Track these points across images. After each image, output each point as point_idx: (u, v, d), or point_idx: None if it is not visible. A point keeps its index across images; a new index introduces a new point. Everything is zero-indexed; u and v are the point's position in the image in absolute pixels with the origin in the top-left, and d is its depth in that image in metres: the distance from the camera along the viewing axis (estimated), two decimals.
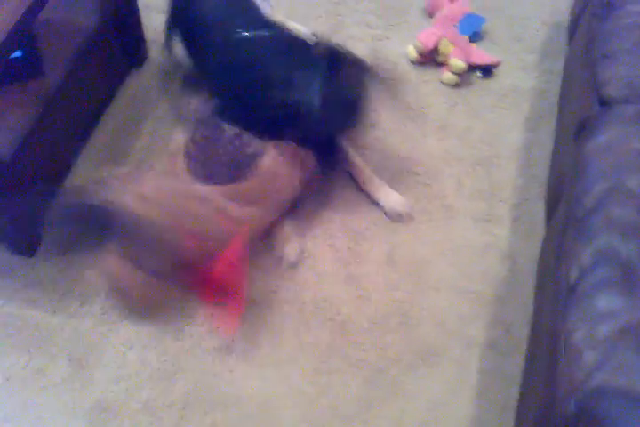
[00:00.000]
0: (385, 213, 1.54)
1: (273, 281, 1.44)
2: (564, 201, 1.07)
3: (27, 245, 1.42)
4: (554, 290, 0.95)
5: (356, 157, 1.58)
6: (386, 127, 1.70)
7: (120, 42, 1.64)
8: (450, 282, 1.45)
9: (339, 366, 1.33)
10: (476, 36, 1.85)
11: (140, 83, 1.76)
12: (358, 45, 1.83)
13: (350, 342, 1.37)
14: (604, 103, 1.09)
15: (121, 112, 1.69)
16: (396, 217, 1.53)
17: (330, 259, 1.48)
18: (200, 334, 1.36)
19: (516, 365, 1.33)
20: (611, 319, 0.83)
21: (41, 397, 1.28)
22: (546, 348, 0.94)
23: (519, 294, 1.43)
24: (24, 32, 1.16)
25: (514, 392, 1.29)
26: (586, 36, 1.29)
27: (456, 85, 1.78)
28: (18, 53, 1.26)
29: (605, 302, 0.85)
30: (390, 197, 1.54)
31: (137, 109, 1.71)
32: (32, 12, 1.16)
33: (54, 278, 1.42)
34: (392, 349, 1.36)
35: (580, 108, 1.19)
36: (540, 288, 1.27)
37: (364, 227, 1.53)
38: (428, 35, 1.76)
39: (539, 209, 1.54)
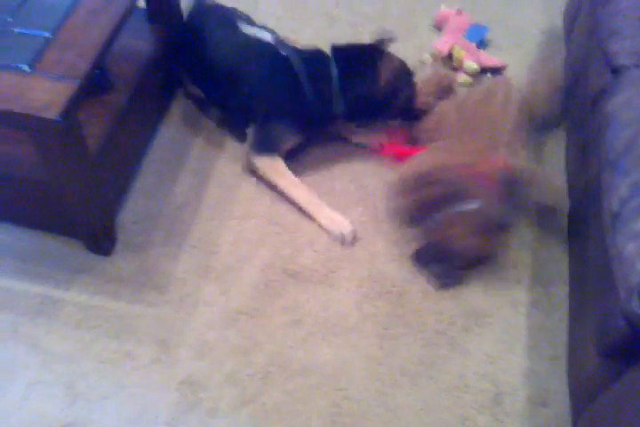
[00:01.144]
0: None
1: (332, 262, 1.59)
2: (596, 149, 1.22)
3: (104, 245, 1.56)
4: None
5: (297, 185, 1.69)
6: None
7: (170, 67, 1.83)
8: None
9: (401, 332, 1.47)
10: (481, 44, 2.05)
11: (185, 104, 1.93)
12: None
13: (408, 310, 1.51)
14: (616, 72, 1.27)
15: (173, 129, 1.86)
16: (340, 239, 1.62)
17: (381, 239, 1.63)
18: (273, 309, 1.50)
19: (559, 319, 1.47)
20: None
21: (133, 376, 1.40)
22: (595, 274, 1.08)
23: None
24: (106, 52, 1.33)
25: (561, 343, 1.43)
26: (589, 23, 1.48)
27: (471, 86, 1.96)
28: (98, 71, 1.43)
29: None
30: (333, 220, 1.64)
31: (186, 127, 1.87)
32: (114, 35, 1.34)
33: (132, 273, 1.55)
34: (446, 313, 1.50)
35: (594, 82, 1.36)
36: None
37: None
38: (442, 43, 1.97)
39: None
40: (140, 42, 1.70)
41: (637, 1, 1.35)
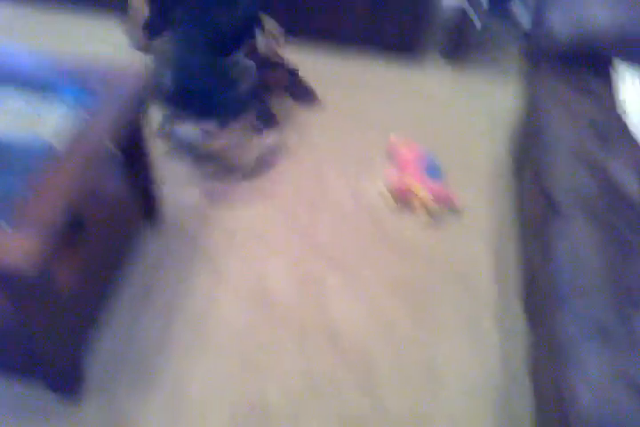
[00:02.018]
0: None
1: (300, 401, 1.58)
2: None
3: (71, 388, 1.54)
4: None
5: None
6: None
7: (140, 205, 1.91)
8: None
9: None
10: (436, 176, 2.18)
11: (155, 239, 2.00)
12: (339, 193, 2.16)
13: None
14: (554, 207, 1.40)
15: (141, 266, 1.91)
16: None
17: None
18: None
19: None
20: None
21: None
22: None
23: None
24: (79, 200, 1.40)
25: None
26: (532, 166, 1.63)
27: (428, 220, 2.08)
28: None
29: None
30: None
31: (155, 264, 1.92)
32: (87, 184, 1.41)
33: (99, 419, 1.53)
34: None
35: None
36: None
37: None
38: (397, 177, 2.12)
39: None
40: (110, 182, 1.77)
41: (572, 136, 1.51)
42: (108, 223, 1.70)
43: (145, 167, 1.86)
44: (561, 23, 1.82)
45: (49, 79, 1.62)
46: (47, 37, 2.74)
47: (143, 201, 1.93)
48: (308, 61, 2.72)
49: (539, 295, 1.47)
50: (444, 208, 2.11)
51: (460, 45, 2.77)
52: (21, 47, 1.74)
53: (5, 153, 1.43)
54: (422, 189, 2.07)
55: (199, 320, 1.76)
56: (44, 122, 1.50)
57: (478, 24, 2.77)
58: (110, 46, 2.42)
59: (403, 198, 2.12)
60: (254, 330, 1.75)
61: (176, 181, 2.16)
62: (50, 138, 1.46)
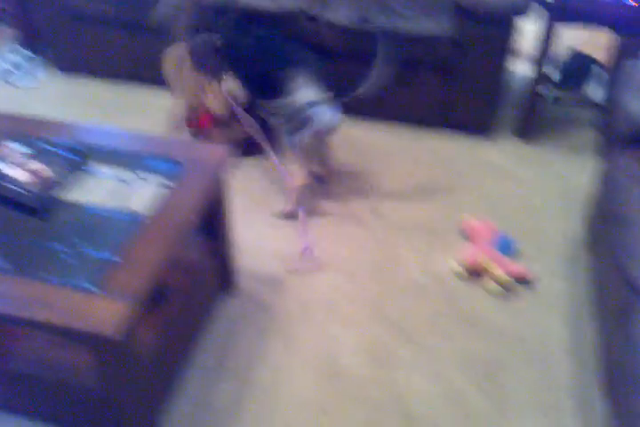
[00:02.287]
0: None
1: None
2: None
3: None
4: None
5: None
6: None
7: (217, 272, 1.98)
8: None
9: None
10: (509, 253, 2.18)
11: (230, 306, 2.06)
12: (410, 266, 2.18)
13: None
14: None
15: (216, 332, 1.96)
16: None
17: None
18: None
19: None
20: None
21: None
22: None
23: None
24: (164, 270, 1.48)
25: None
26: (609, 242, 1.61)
27: (500, 294, 2.06)
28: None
29: None
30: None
31: (230, 330, 1.98)
32: (172, 256, 1.49)
33: None
34: None
35: (617, 299, 1.44)
36: None
37: None
38: (470, 253, 2.11)
39: None
40: (191, 250, 1.86)
41: None
42: (187, 290, 1.77)
43: (223, 236, 1.94)
44: (638, 105, 1.83)
45: (139, 154, 1.75)
46: (129, 109, 2.95)
47: (220, 268, 2.01)
48: (375, 135, 2.82)
49: (623, 383, 1.42)
50: (517, 284, 2.09)
51: (533, 120, 2.80)
52: (113, 125, 1.89)
53: (100, 224, 1.53)
54: (495, 265, 2.08)
55: (269, 390, 1.78)
56: (134, 195, 1.62)
57: (550, 99, 2.81)
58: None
59: (475, 273, 2.12)
60: (323, 404, 1.76)
61: (252, 250, 2.24)
62: (140, 210, 1.56)
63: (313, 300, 2.07)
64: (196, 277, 1.82)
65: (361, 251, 2.26)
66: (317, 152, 2.39)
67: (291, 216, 2.38)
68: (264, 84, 2.34)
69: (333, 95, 2.21)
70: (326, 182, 2.56)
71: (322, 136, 2.30)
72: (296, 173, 2.29)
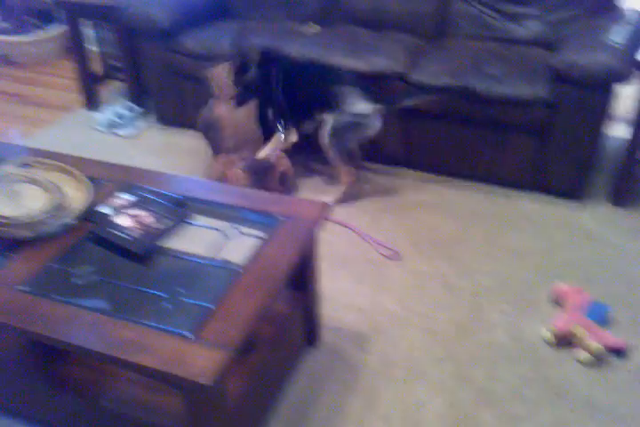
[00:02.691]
0: None
1: None
2: None
3: None
4: None
5: None
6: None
7: (302, 324, 2.01)
8: None
9: None
10: (603, 322, 2.10)
11: (313, 360, 2.07)
12: (496, 330, 2.13)
13: None
14: None
15: (301, 382, 1.97)
16: None
17: None
18: None
19: None
20: None
21: None
22: None
23: None
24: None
25: None
26: None
27: (592, 365, 1.98)
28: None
29: None
30: None
31: (314, 380, 1.98)
32: (267, 308, 1.53)
33: None
34: None
35: None
36: None
37: None
38: (561, 320, 2.05)
39: None
40: (280, 304, 1.89)
41: None
42: (274, 341, 1.79)
43: (311, 290, 1.97)
44: None
45: (237, 207, 1.82)
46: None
47: (306, 321, 2.02)
48: (466, 196, 2.82)
49: None
50: (610, 354, 2.01)
51: (629, 185, 2.74)
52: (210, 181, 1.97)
53: (198, 273, 1.59)
54: (587, 333, 2.01)
55: None
56: (231, 247, 1.68)
57: None
58: None
59: (565, 340, 2.05)
60: None
61: (336, 304, 2.25)
62: (236, 261, 1.62)
63: (396, 358, 2.05)
64: (282, 328, 1.85)
65: (445, 310, 2.23)
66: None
67: (342, 202, 2.84)
68: (316, 102, 2.76)
69: (379, 106, 2.66)
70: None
71: (365, 141, 2.79)
72: (346, 172, 2.79)
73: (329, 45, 2.92)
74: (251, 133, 2.89)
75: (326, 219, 1.80)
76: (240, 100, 2.85)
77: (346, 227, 2.67)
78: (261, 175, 2.79)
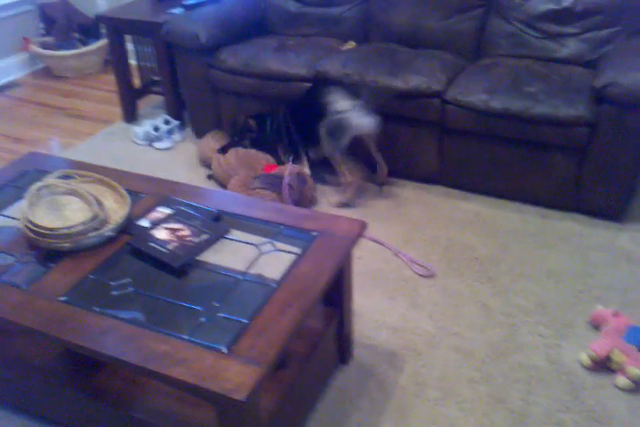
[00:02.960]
0: None
1: None
2: None
3: None
4: None
5: None
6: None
7: (334, 342, 1.99)
8: None
9: None
10: None
11: (345, 376, 2.05)
12: (532, 352, 2.09)
13: None
14: None
15: (331, 399, 1.96)
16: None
17: None
18: None
19: None
20: None
21: None
22: None
23: None
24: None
25: None
26: None
27: (631, 390, 1.93)
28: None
29: None
30: None
31: (345, 398, 1.96)
32: (301, 325, 1.52)
33: None
34: None
35: None
36: None
37: None
38: (600, 345, 2.00)
39: None
40: (314, 321, 1.89)
41: None
42: (307, 357, 1.78)
43: (345, 307, 1.96)
44: None
45: (273, 223, 1.82)
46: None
47: (338, 338, 2.01)
48: (505, 215, 2.79)
49: None
50: None
51: None
52: (245, 196, 1.98)
53: (233, 287, 1.60)
54: (627, 358, 1.96)
55: None
56: (267, 262, 1.68)
57: None
58: None
59: (604, 366, 2.01)
60: None
61: (369, 321, 2.24)
62: (272, 277, 1.62)
63: (429, 377, 2.02)
64: (315, 345, 1.84)
65: (479, 330, 2.20)
66: (363, 155, 2.97)
67: (345, 206, 2.94)
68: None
69: (364, 103, 2.69)
70: (381, 184, 3.07)
71: (362, 139, 2.83)
72: (347, 172, 2.86)
73: (366, 63, 2.93)
74: (252, 159, 3.03)
75: (361, 235, 1.78)
76: (224, 148, 3.10)
77: (379, 243, 2.66)
78: (298, 187, 2.85)
